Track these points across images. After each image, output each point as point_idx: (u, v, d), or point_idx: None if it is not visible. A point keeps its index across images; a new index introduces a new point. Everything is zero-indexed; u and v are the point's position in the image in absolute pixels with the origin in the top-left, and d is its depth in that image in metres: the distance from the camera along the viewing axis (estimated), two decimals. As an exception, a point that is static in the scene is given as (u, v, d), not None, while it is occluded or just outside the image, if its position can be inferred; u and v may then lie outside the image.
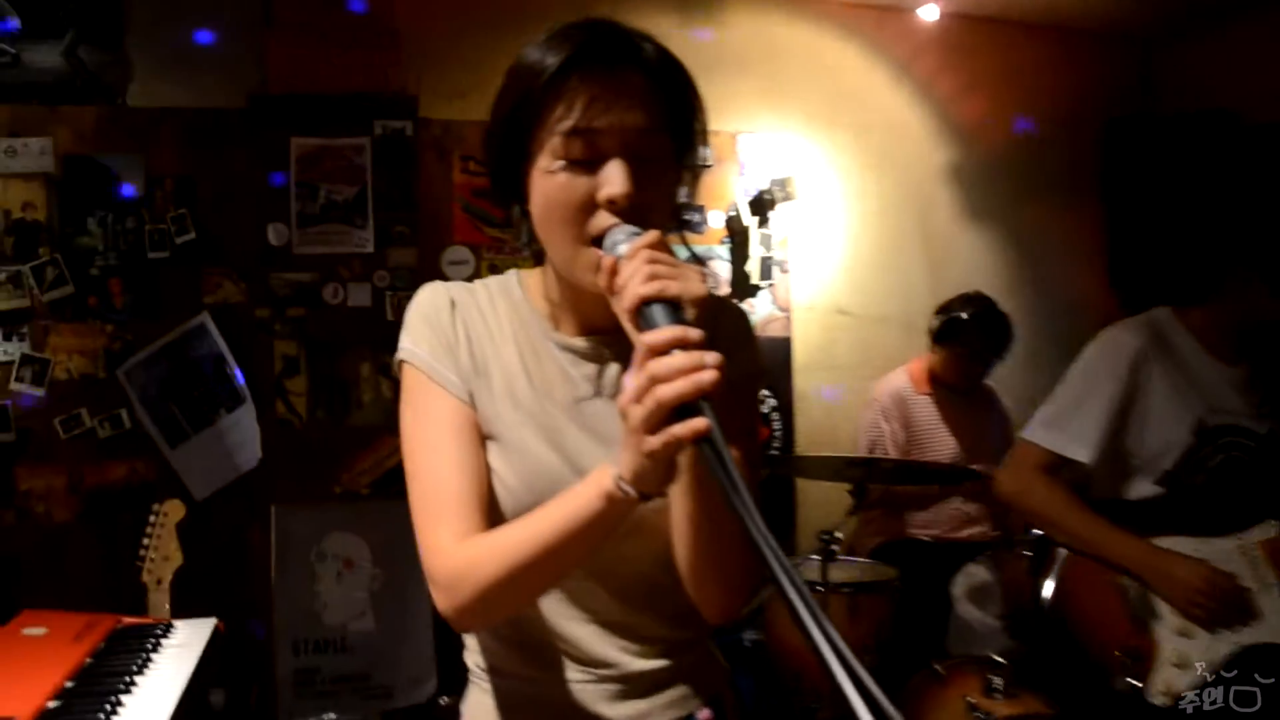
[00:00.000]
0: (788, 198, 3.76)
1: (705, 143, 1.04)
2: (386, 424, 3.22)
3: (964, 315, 3.23)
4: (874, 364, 3.69)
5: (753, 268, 3.73)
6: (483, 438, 1.06)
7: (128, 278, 3.14)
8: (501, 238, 3.40)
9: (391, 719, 3.01)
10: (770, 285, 3.76)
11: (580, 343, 1.09)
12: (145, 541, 2.27)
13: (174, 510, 2.35)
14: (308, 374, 3.23)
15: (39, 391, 3.05)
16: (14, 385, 3.01)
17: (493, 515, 1.03)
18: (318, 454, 3.21)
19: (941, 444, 3.29)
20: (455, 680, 2.54)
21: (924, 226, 3.98)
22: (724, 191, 3.69)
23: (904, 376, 3.35)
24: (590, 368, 1.09)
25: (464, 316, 1.10)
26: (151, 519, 2.31)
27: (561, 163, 0.98)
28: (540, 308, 1.11)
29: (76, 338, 3.11)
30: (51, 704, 1.55)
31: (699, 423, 0.80)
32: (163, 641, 1.92)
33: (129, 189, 3.15)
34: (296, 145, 3.23)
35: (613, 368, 1.08)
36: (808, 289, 3.81)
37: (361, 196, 3.25)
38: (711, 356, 0.81)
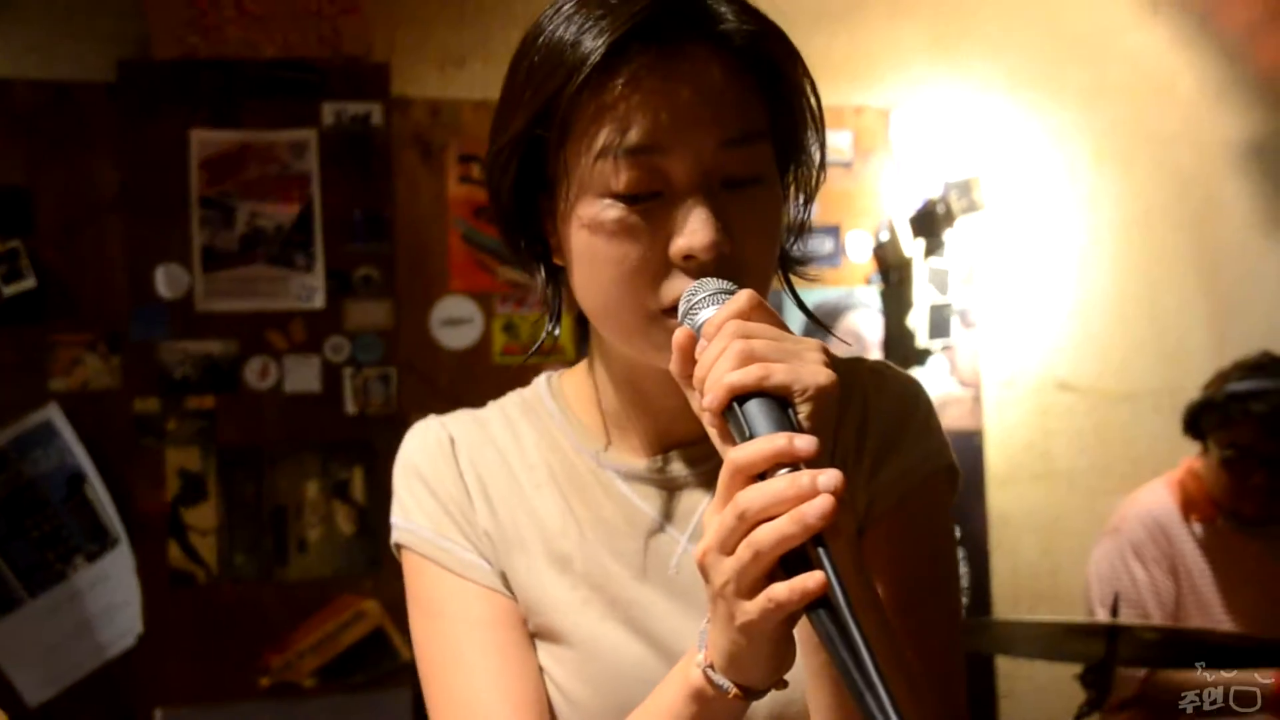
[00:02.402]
0: (972, 209, 3.41)
1: (818, 132, 0.97)
2: (343, 575, 3.05)
3: (1246, 393, 2.85)
4: (1118, 471, 3.51)
5: (918, 321, 3.44)
6: (530, 635, 1.02)
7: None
8: (524, 283, 2.64)
9: None
10: (947, 348, 3.50)
11: (651, 466, 1.02)
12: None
13: (-11, 727, 2.14)
14: (219, 500, 3.00)
15: None
16: None
17: None
18: (234, 625, 2.98)
19: (1231, 604, 2.93)
20: None
21: (1201, 245, 3.73)
22: (869, 203, 3.49)
23: (1164, 494, 2.99)
24: (673, 501, 1.02)
25: (473, 460, 1.05)
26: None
27: (612, 204, 0.90)
28: (589, 423, 1.05)
29: None
30: None
31: (807, 581, 0.72)
32: None
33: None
34: (200, 141, 3.00)
35: (705, 499, 1.01)
36: (1008, 353, 3.59)
37: (304, 221, 3.05)
38: (827, 477, 0.73)
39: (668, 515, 1.03)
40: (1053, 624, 2.77)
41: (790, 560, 0.74)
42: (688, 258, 0.89)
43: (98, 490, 2.93)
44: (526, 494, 1.05)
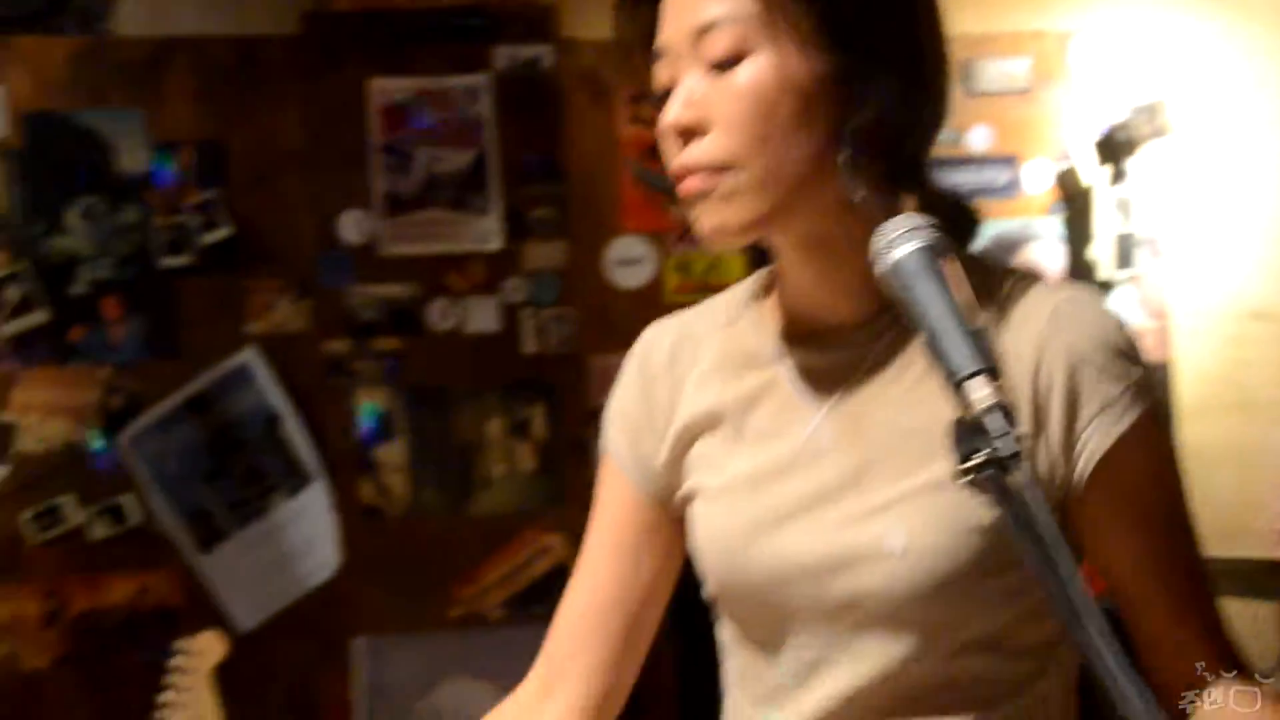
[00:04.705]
0: (1158, 134, 3.36)
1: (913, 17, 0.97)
2: (527, 509, 3.15)
3: None
4: (1318, 402, 3.47)
5: (1103, 251, 3.39)
6: (669, 538, 1.10)
7: (130, 297, 3.03)
8: (694, 221, 3.05)
9: None
10: (1133, 278, 3.42)
11: (794, 339, 1.05)
12: (164, 697, 2.04)
13: (209, 648, 2.08)
14: (408, 438, 3.09)
15: (-2, 471, 3.09)
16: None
17: (627, 648, 1.10)
18: (424, 558, 3.07)
19: None
20: None
21: None
22: (1048, 130, 3.44)
23: (1368, 423, 2.93)
24: (815, 375, 1.03)
25: (677, 357, 1.10)
26: (173, 663, 2.08)
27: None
28: (783, 310, 1.07)
29: (54, 389, 2.98)
30: None
31: None
32: None
33: (128, 163, 3.04)
34: (378, 90, 3.08)
35: (844, 380, 1.01)
36: (1198, 282, 3.50)
37: (479, 165, 3.11)
38: None
39: (815, 383, 1.03)
40: (1251, 561, 2.73)
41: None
42: (679, 134, 0.97)
43: (292, 429, 3.03)
44: (709, 384, 1.08)
